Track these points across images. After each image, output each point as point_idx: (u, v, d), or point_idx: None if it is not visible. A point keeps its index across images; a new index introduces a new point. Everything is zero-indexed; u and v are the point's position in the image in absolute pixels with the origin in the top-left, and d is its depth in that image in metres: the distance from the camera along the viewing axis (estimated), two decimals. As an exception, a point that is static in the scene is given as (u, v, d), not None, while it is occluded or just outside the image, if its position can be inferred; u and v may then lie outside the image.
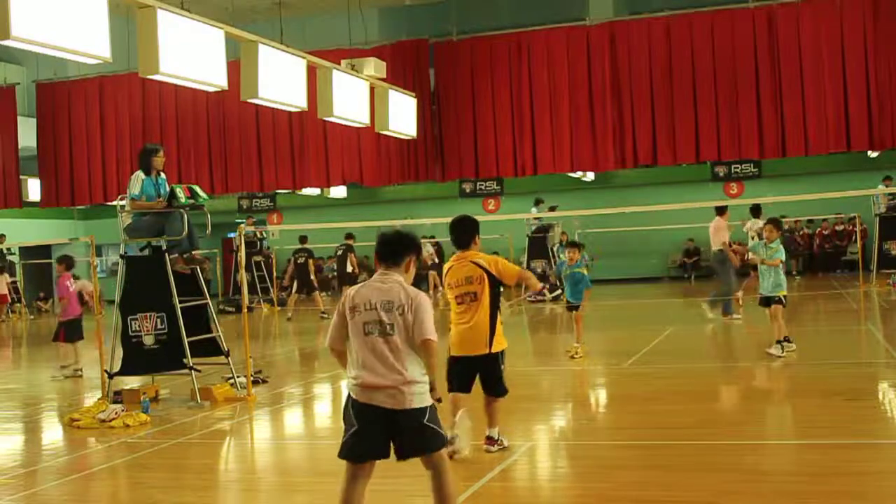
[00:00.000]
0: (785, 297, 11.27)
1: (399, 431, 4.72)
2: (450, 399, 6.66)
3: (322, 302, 21.52)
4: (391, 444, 4.79)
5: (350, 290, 4.89)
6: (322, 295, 23.07)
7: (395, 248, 4.98)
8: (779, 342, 10.93)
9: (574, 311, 12.13)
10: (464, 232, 6.81)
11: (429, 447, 4.79)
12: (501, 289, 6.81)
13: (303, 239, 21.99)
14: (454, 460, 6.26)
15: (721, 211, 16.17)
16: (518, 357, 12.28)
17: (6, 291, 25.15)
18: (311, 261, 21.35)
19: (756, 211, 18.13)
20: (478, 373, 6.78)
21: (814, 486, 5.72)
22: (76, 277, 13.64)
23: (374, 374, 4.68)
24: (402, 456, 4.83)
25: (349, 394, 4.78)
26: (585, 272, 12.43)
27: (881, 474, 5.97)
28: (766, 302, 11.21)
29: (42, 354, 15.97)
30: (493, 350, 6.69)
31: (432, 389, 4.78)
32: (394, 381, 4.66)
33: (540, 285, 7.59)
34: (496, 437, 6.92)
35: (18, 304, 26.33)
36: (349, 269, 22.64)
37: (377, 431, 4.72)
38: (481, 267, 6.66)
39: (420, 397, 4.71)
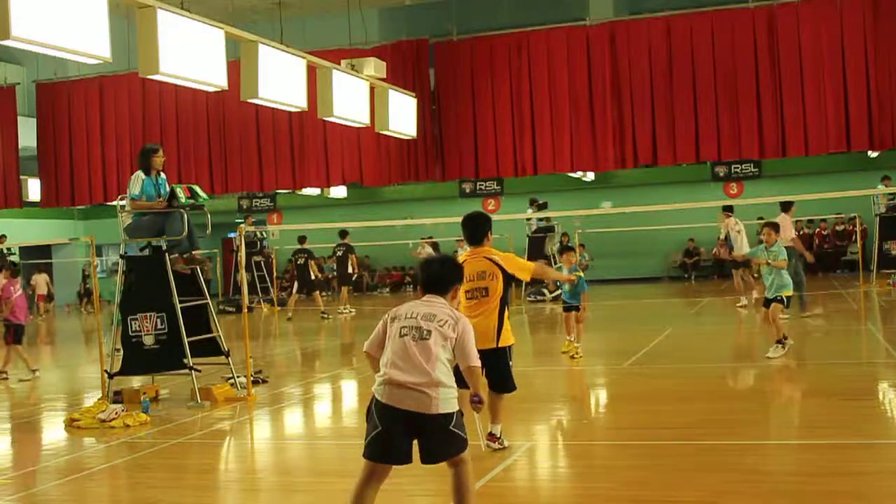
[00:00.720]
0: (789, 297, 11.15)
1: (424, 435, 4.69)
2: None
3: (322, 302, 21.52)
4: (413, 448, 4.75)
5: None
6: (322, 295, 23.07)
7: (441, 279, 5.03)
8: (778, 342, 10.89)
9: (573, 312, 12.12)
10: (477, 228, 6.81)
11: (454, 451, 4.77)
12: (512, 286, 6.78)
13: (302, 239, 21.98)
14: None
15: (786, 207, 16.18)
16: (518, 357, 12.21)
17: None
18: (311, 261, 21.33)
19: (729, 209, 18.19)
20: (484, 368, 6.66)
21: (813, 486, 5.72)
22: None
23: (401, 372, 4.66)
24: (427, 460, 4.80)
25: (374, 394, 4.76)
26: (581, 274, 12.39)
27: (881, 474, 5.97)
28: (768, 303, 11.18)
29: (42, 354, 15.96)
30: (501, 344, 6.68)
31: (479, 401, 4.84)
32: (420, 381, 4.63)
33: (559, 274, 7.58)
34: (498, 435, 6.90)
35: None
36: (350, 269, 22.63)
37: (400, 432, 4.68)
38: (495, 263, 6.68)
39: (447, 402, 4.68)
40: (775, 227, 11.36)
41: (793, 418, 7.86)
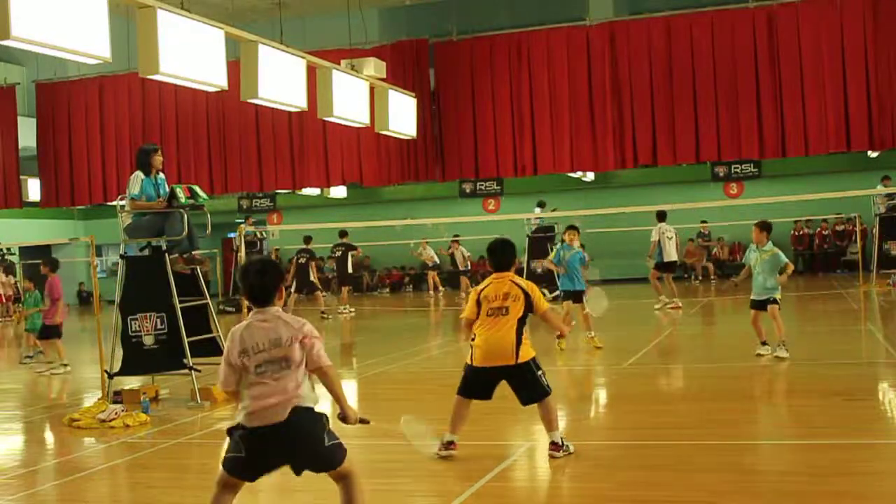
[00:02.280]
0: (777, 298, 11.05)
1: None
2: (456, 403, 6.78)
3: (323, 302, 21.51)
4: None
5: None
6: (322, 295, 23.05)
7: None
8: (782, 344, 10.77)
9: (581, 303, 12.44)
10: (505, 254, 7.05)
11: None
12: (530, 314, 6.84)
13: (307, 239, 21.91)
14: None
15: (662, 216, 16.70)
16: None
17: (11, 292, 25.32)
18: (312, 262, 21.29)
19: (661, 215, 18.31)
20: (506, 382, 6.74)
21: (813, 486, 5.72)
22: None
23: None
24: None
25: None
26: (582, 250, 12.95)
27: (881, 474, 5.97)
28: (759, 305, 11.02)
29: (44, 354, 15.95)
30: (521, 360, 6.65)
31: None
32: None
33: (564, 328, 7.67)
34: (560, 443, 6.65)
35: (18, 304, 26.32)
36: (349, 269, 22.60)
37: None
38: (521, 288, 6.83)
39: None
40: (763, 226, 11.16)
41: (793, 418, 7.86)
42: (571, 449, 6.65)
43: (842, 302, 18.47)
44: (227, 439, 4.72)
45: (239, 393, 4.70)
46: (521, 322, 6.72)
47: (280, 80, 12.75)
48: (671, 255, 18.34)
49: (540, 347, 12.98)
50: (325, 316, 20.50)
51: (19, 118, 22.73)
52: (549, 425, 6.65)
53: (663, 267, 18.40)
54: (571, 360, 11.75)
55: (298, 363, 4.62)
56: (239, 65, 12.25)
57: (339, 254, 22.46)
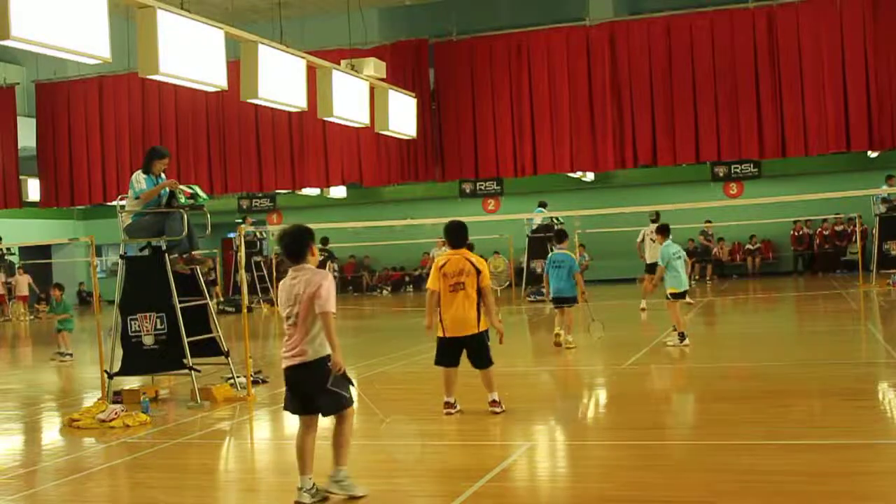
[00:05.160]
0: (675, 294, 12.47)
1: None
2: (443, 373, 8.21)
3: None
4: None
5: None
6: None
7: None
8: (676, 331, 12.32)
9: (565, 307, 12.49)
10: (457, 235, 8.41)
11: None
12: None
13: (325, 240, 21.83)
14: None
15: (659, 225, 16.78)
16: (517, 357, 12.29)
17: (26, 292, 25.45)
18: (330, 263, 21.17)
19: (655, 217, 18.27)
20: (465, 349, 8.13)
21: (813, 486, 5.71)
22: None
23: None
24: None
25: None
26: (573, 255, 13.09)
27: (881, 474, 5.97)
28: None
29: (43, 355, 15.96)
30: (481, 329, 8.10)
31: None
32: None
33: (494, 310, 8.43)
34: (498, 399, 8.13)
35: (13, 303, 26.37)
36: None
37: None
38: (472, 264, 8.16)
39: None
40: (660, 229, 12.90)
41: (793, 418, 7.85)
42: (503, 407, 8.09)
43: (842, 302, 18.46)
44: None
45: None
46: (479, 294, 8.06)
47: (280, 80, 12.75)
48: (654, 256, 18.18)
49: (540, 348, 12.94)
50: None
51: (19, 118, 22.73)
52: (490, 386, 8.19)
53: (647, 268, 18.32)
54: (571, 360, 11.75)
55: (315, 315, 5.62)
56: (239, 65, 12.25)
57: (321, 258, 22.51)
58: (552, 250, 13.10)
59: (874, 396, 8.80)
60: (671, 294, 12.45)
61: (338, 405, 5.70)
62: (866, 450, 6.65)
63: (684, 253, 12.99)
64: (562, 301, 12.51)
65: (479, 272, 8.11)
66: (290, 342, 5.70)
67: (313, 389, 5.67)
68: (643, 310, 17.69)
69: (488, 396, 8.17)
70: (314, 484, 5.75)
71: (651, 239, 17.89)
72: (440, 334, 8.16)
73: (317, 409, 5.75)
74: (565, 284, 12.39)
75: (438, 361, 8.24)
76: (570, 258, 12.69)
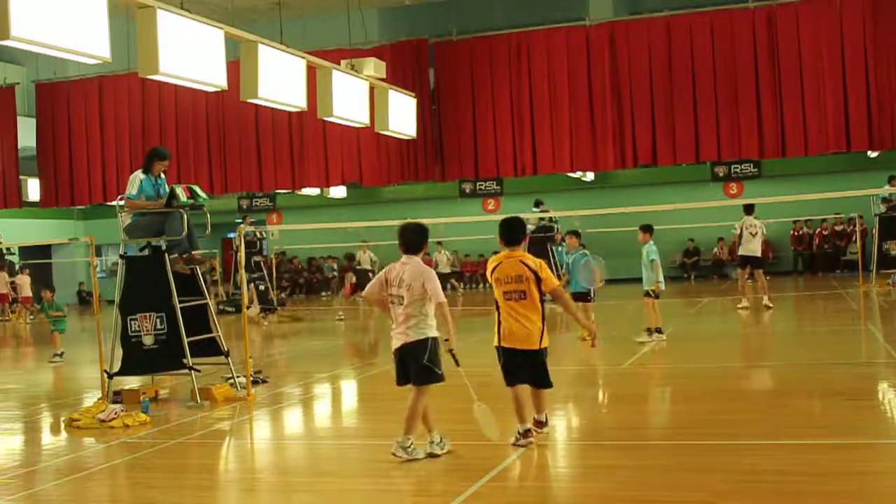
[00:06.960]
0: (654, 291, 13.01)
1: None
2: (511, 395, 6.98)
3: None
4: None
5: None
6: (323, 295, 22.98)
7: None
8: (648, 330, 12.80)
9: (586, 301, 12.95)
10: (512, 231, 7.03)
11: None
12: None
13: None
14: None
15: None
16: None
17: (6, 291, 25.32)
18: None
19: (749, 208, 17.84)
20: (525, 367, 6.96)
21: (814, 486, 5.71)
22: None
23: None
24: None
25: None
26: (586, 252, 13.63)
27: (881, 474, 5.97)
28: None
29: (42, 355, 15.96)
30: (543, 346, 6.93)
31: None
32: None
33: (573, 306, 7.61)
34: (545, 420, 7.28)
35: (18, 304, 26.35)
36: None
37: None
38: (529, 268, 6.86)
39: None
40: (644, 228, 13.26)
41: (793, 418, 7.85)
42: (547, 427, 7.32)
43: (842, 302, 18.46)
44: None
45: (379, 303, 6.93)
46: (542, 304, 6.95)
47: (280, 80, 12.74)
48: (750, 249, 17.60)
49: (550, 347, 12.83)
50: (341, 318, 20.38)
51: (19, 118, 22.73)
52: (540, 407, 7.22)
53: (742, 262, 17.82)
54: (571, 360, 11.74)
55: (414, 300, 6.54)
56: (239, 65, 12.24)
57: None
58: (554, 251, 13.28)
59: (874, 396, 8.80)
60: (652, 291, 13.01)
61: (428, 378, 6.58)
62: (866, 450, 6.65)
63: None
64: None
65: (539, 278, 6.83)
66: (398, 329, 6.65)
67: (413, 364, 6.59)
68: (746, 308, 17.11)
69: (535, 416, 7.16)
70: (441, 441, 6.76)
71: (751, 233, 17.16)
72: (495, 343, 7.01)
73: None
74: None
75: (506, 381, 7.00)
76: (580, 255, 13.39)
